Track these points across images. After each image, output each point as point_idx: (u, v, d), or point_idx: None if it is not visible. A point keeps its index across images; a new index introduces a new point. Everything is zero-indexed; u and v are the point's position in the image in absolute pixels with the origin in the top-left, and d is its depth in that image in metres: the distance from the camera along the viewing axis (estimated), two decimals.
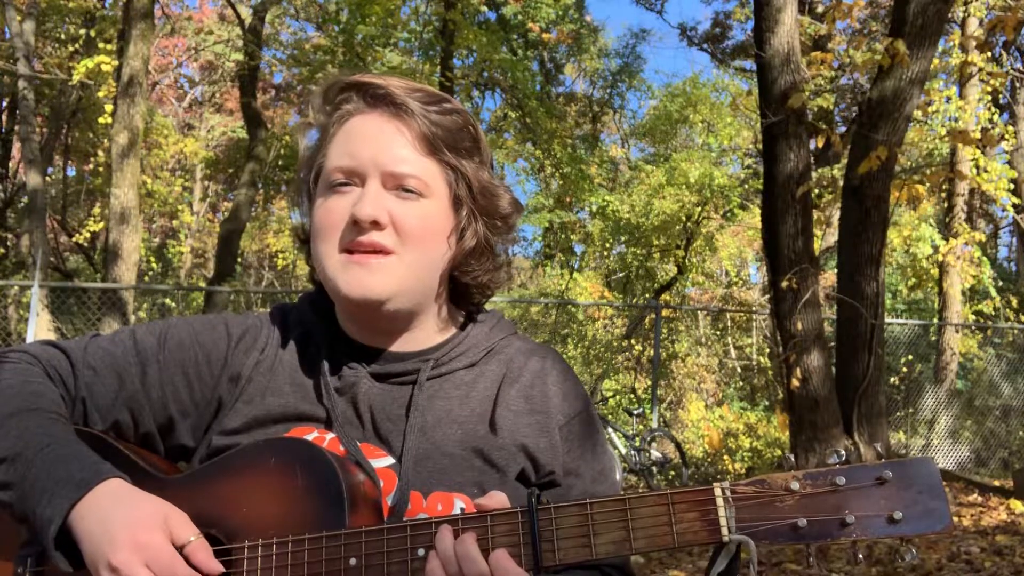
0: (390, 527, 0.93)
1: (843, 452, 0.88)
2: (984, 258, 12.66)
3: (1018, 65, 14.74)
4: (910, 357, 10.50)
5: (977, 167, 11.15)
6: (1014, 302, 13.39)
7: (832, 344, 7.22)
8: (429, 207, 1.07)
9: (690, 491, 0.88)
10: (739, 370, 15.70)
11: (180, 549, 0.93)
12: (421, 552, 0.91)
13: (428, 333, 1.15)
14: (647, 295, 15.09)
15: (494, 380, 1.14)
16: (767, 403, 13.43)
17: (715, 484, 0.88)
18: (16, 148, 15.30)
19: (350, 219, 1.04)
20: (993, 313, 12.87)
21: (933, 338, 11.72)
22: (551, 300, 13.79)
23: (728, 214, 15.99)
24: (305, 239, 1.16)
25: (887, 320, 8.52)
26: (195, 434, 1.12)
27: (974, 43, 9.15)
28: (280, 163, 15.68)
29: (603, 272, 18.23)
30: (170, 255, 20.54)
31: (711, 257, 16.89)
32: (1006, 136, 12.70)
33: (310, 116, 1.15)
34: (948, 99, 11.67)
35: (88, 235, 15.92)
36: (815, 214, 8.56)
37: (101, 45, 12.10)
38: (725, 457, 10.12)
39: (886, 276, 8.23)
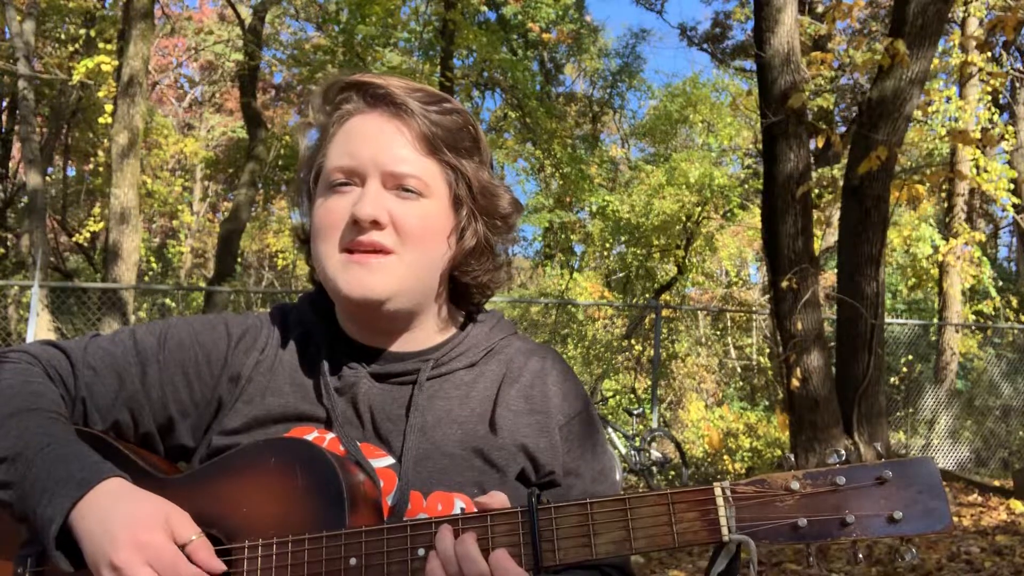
0: (390, 527, 0.93)
1: (843, 452, 0.88)
2: (984, 258, 12.65)
3: (1018, 65, 14.74)
4: (910, 357, 10.49)
5: (977, 167, 11.14)
6: (1014, 302, 13.38)
7: (832, 344, 7.22)
8: (429, 207, 1.07)
9: (690, 491, 0.88)
10: (739, 370, 15.69)
11: (181, 548, 0.93)
12: (421, 552, 0.91)
13: (428, 333, 1.15)
14: (647, 295, 15.08)
15: (494, 380, 1.14)
16: (767, 403, 13.42)
17: (715, 484, 0.88)
18: (16, 148, 15.29)
19: (350, 219, 1.04)
20: (993, 313, 12.86)
21: (933, 338, 11.72)
22: (551, 300, 13.78)
23: (728, 214, 15.99)
24: (305, 239, 1.15)
25: (887, 320, 8.51)
26: (195, 434, 1.12)
27: (974, 43, 9.15)
28: (280, 163, 15.68)
29: (603, 272, 18.22)
30: (170, 255, 20.52)
31: (711, 257, 16.88)
32: (1006, 136, 12.69)
33: (310, 116, 1.15)
34: (948, 99, 11.67)
35: (88, 235, 15.91)
36: (815, 214, 8.56)
37: (101, 45, 12.09)
38: (725, 457, 10.12)
39: (886, 276, 8.23)
